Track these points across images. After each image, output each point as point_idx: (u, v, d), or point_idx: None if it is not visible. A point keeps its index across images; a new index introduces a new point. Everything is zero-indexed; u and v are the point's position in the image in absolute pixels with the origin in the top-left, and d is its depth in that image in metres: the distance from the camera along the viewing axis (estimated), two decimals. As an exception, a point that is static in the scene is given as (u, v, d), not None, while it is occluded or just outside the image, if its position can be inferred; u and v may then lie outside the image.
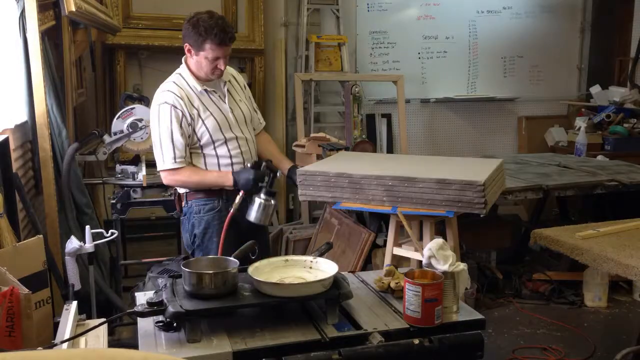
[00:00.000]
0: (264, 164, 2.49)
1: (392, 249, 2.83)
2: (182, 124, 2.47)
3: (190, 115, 2.49)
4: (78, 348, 1.56)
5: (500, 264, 4.36)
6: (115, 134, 3.38)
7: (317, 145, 3.99)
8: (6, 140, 2.46)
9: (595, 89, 5.81)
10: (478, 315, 1.79)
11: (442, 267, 1.76)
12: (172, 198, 3.38)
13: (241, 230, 2.55)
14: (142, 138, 3.40)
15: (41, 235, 1.91)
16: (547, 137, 5.92)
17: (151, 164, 3.76)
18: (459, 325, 1.73)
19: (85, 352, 1.30)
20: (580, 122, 5.39)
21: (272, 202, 2.48)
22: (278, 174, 2.49)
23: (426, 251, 1.80)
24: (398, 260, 2.86)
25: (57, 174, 3.07)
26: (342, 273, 1.83)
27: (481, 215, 2.41)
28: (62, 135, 3.16)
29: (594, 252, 2.46)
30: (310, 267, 1.86)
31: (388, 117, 5.62)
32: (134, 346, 1.62)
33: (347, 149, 3.92)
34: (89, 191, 3.46)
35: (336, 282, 1.72)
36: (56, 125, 3.13)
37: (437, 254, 1.77)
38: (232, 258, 1.81)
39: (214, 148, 2.57)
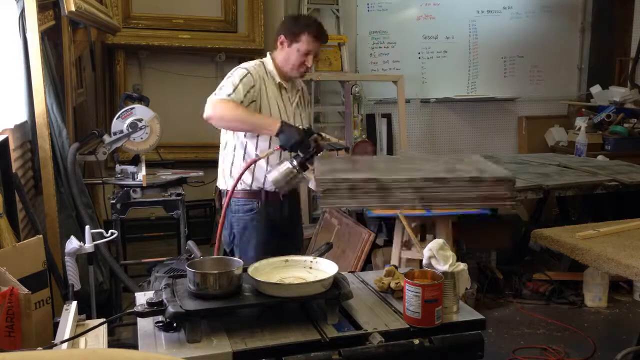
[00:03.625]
0: (314, 135, 2.37)
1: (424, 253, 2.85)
2: (249, 90, 2.50)
3: (259, 91, 2.54)
4: (78, 348, 1.56)
5: (500, 264, 4.35)
6: (115, 134, 3.38)
7: (317, 145, 3.98)
8: (6, 140, 2.46)
9: (596, 89, 5.81)
10: (478, 316, 1.78)
11: (442, 267, 1.76)
12: (172, 198, 3.40)
13: (279, 231, 2.63)
14: (141, 138, 3.40)
15: (41, 235, 1.91)
16: (547, 137, 5.92)
17: (151, 164, 3.78)
18: (459, 326, 1.72)
19: (85, 352, 1.30)
20: (581, 122, 5.39)
21: (300, 175, 2.34)
22: (319, 154, 2.37)
23: (426, 251, 1.80)
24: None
25: (56, 174, 3.07)
26: (342, 273, 1.83)
27: (513, 210, 2.42)
28: (62, 135, 3.16)
29: (594, 252, 2.45)
30: (310, 267, 1.85)
31: (388, 117, 5.61)
32: (134, 346, 1.62)
33: (347, 149, 3.91)
34: (88, 191, 3.46)
35: (336, 282, 1.72)
36: (56, 125, 3.13)
37: (437, 254, 1.77)
38: (236, 258, 1.81)
39: (258, 135, 2.55)
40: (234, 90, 2.45)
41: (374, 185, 2.49)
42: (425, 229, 3.67)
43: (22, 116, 2.95)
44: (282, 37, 2.64)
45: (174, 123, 4.64)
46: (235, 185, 2.37)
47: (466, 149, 5.81)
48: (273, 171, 2.35)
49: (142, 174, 3.36)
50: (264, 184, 2.61)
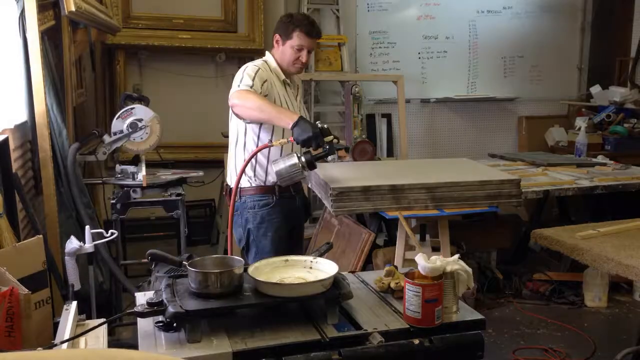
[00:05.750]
0: (332, 137, 2.32)
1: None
2: (263, 83, 2.59)
3: (269, 86, 2.64)
4: (78, 348, 1.56)
5: (500, 264, 4.36)
6: (115, 134, 3.38)
7: (317, 145, 3.98)
8: (6, 140, 2.46)
9: (596, 89, 5.81)
10: (478, 315, 1.78)
11: (442, 267, 1.76)
12: (172, 198, 3.40)
13: (292, 223, 2.79)
14: (141, 138, 3.40)
15: (41, 235, 1.91)
16: (547, 137, 5.92)
17: (151, 164, 3.78)
18: (459, 325, 1.72)
19: (85, 352, 1.30)
20: (581, 122, 5.39)
21: (305, 173, 2.35)
22: (332, 158, 2.37)
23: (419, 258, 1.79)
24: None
25: (56, 174, 3.07)
26: (342, 273, 1.83)
27: (517, 207, 2.42)
28: (62, 135, 3.16)
29: (594, 252, 2.45)
30: (310, 267, 1.85)
31: (388, 117, 5.62)
32: (134, 346, 1.62)
33: (347, 149, 3.91)
34: (88, 191, 3.46)
35: (336, 282, 1.72)
36: (56, 125, 3.13)
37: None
38: (237, 257, 1.81)
39: (273, 129, 2.63)
40: (252, 83, 2.53)
41: (387, 187, 2.49)
42: (425, 229, 3.68)
43: (22, 116, 2.95)
44: (277, 35, 2.77)
45: (174, 123, 4.64)
46: (241, 174, 2.47)
47: (466, 149, 5.81)
48: (279, 161, 2.36)
49: (142, 174, 3.36)
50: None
